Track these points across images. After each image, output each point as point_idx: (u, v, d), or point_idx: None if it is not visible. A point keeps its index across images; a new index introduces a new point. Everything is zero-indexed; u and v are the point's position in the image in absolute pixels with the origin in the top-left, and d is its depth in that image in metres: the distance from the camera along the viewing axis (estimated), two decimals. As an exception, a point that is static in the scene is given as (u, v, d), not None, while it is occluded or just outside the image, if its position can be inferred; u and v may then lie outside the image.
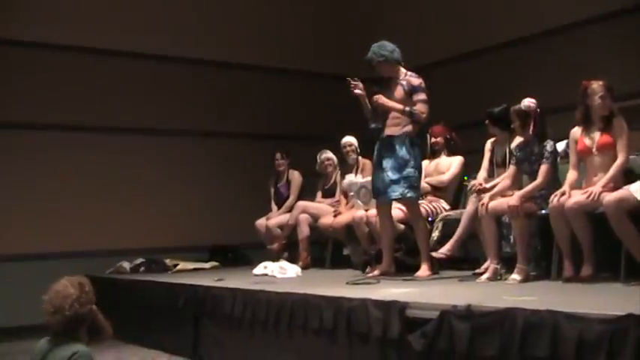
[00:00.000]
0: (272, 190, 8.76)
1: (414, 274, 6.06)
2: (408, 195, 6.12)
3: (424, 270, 6.09)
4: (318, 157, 8.38)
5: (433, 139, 7.32)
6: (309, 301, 5.00)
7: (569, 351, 3.33)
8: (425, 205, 6.87)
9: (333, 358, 4.79)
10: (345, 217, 7.67)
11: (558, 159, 5.68)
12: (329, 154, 8.34)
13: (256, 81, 10.32)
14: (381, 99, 6.13)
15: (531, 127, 5.64)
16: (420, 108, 6.08)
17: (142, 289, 7.43)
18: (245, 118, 10.18)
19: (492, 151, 6.48)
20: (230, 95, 10.18)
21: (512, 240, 5.61)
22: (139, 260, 8.89)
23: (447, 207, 7.00)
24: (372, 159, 6.57)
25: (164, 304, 6.85)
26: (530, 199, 5.42)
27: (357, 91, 6.19)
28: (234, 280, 6.63)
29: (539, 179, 5.47)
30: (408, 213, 6.41)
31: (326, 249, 8.19)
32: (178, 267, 8.66)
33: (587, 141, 5.27)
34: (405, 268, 6.30)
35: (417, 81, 6.14)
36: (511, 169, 5.83)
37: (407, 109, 6.09)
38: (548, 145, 5.54)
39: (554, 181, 5.53)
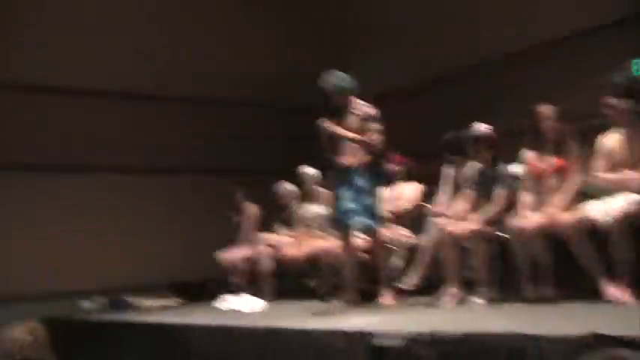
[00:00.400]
0: (234, 224, 8.74)
1: (379, 303, 6.08)
2: (369, 224, 6.16)
3: (388, 298, 6.12)
4: (275, 188, 8.39)
5: (390, 167, 7.38)
6: (277, 334, 5.00)
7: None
8: (386, 233, 6.91)
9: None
10: (307, 247, 7.68)
11: (516, 181, 5.77)
12: (287, 185, 8.36)
13: (206, 114, 10.28)
14: (338, 129, 6.17)
15: (487, 152, 5.72)
16: (375, 137, 6.14)
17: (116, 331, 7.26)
18: (198, 152, 10.15)
19: (449, 176, 6.56)
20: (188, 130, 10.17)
21: (473, 264, 5.67)
22: (102, 300, 8.77)
23: (408, 234, 7.05)
24: (330, 189, 6.60)
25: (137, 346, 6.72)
26: (490, 222, 5.49)
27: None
28: (200, 317, 6.58)
29: (498, 203, 5.55)
30: (369, 242, 6.45)
31: (288, 280, 8.18)
32: (145, 305, 8.56)
33: (541, 164, 5.37)
34: (369, 297, 6.33)
35: (371, 111, 6.19)
36: (469, 194, 5.90)
37: (363, 138, 6.14)
38: (504, 168, 5.63)
39: (513, 204, 5.62)
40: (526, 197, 5.44)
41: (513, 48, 8.22)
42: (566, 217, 4.96)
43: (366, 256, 6.69)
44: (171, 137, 10.06)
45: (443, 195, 6.53)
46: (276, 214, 8.53)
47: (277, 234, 8.36)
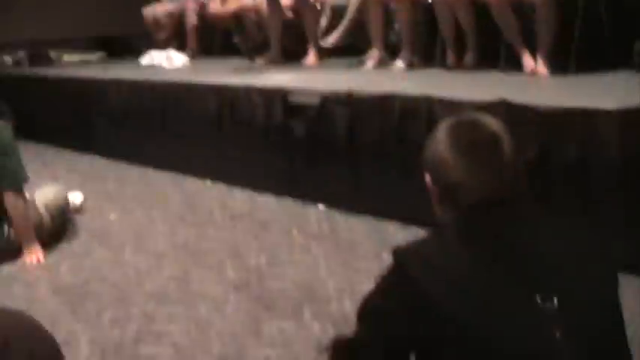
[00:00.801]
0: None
1: (302, 62, 6.05)
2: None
3: (311, 58, 6.09)
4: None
5: None
6: (194, 90, 4.98)
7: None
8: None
9: (219, 145, 4.85)
10: (233, 4, 7.48)
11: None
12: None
13: None
14: None
15: None
16: None
17: (32, 84, 7.15)
18: None
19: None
20: None
21: (397, 28, 5.62)
22: (21, 53, 8.51)
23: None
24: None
25: (57, 99, 6.65)
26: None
27: None
28: (120, 71, 6.49)
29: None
30: (296, 0, 6.30)
31: (214, 37, 8.04)
32: (64, 59, 8.36)
33: None
34: (293, 56, 6.28)
35: None
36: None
37: None
38: None
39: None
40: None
41: None
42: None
43: (291, 14, 6.58)
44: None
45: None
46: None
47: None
